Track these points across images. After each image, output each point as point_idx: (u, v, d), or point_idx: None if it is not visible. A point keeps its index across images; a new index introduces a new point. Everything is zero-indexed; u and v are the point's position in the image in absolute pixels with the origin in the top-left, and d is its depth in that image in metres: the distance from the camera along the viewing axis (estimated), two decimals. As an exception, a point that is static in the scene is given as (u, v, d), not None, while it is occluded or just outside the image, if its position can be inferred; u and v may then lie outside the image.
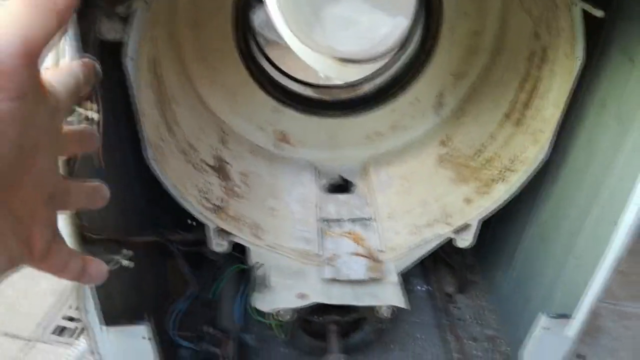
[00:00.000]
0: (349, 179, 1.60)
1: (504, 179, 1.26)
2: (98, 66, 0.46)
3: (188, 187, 1.21)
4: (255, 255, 1.32)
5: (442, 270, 1.75)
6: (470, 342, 1.54)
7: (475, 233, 1.31)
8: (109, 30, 0.95)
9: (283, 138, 1.60)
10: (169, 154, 1.17)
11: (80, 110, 0.77)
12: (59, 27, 0.34)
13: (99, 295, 1.07)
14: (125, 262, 0.97)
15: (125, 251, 0.98)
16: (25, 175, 0.37)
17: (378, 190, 1.51)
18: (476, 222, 1.29)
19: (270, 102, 1.52)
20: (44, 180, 0.39)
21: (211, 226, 1.24)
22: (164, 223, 1.41)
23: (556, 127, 1.15)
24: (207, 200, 1.26)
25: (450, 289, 1.70)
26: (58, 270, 0.43)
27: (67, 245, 0.43)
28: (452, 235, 1.32)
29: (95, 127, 0.80)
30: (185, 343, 1.33)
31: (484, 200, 1.28)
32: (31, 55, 0.33)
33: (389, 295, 1.29)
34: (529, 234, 1.38)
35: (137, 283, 1.28)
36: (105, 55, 0.97)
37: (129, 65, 0.96)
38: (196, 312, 1.48)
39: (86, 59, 0.44)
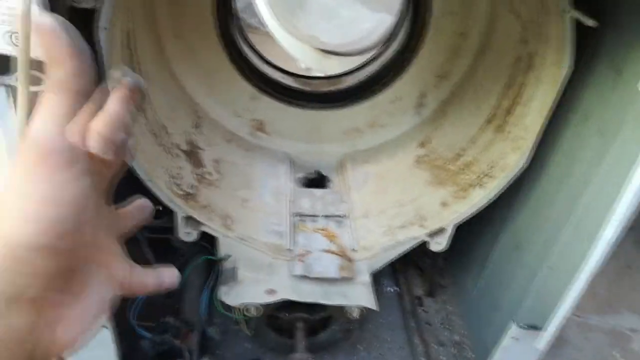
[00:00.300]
0: (326, 174, 1.56)
1: (481, 185, 1.24)
2: (141, 82, 0.46)
3: (158, 171, 1.15)
4: (224, 246, 1.27)
5: (412, 272, 1.73)
6: (437, 346, 1.53)
7: (449, 237, 1.29)
8: (81, -5, 0.89)
9: (260, 127, 1.55)
10: (139, 134, 1.11)
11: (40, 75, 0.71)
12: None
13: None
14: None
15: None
16: (95, 229, 0.42)
17: (354, 187, 1.48)
18: (451, 226, 1.27)
19: (248, 88, 1.48)
20: (105, 223, 0.44)
21: (180, 214, 1.19)
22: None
23: (538, 135, 1.13)
24: (178, 186, 1.20)
25: (419, 291, 1.69)
26: (141, 292, 0.48)
27: (139, 267, 0.48)
28: (426, 239, 1.30)
29: None
30: (146, 333, 1.27)
31: (461, 205, 1.27)
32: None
33: (359, 296, 1.26)
34: (503, 241, 1.37)
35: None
36: (75, 24, 0.91)
37: (102, 36, 0.90)
38: (160, 302, 1.42)
39: (127, 84, 0.44)
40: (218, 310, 1.26)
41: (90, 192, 0.40)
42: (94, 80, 0.41)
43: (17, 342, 0.37)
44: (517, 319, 1.18)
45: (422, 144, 1.49)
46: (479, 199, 1.24)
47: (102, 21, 0.90)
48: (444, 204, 1.30)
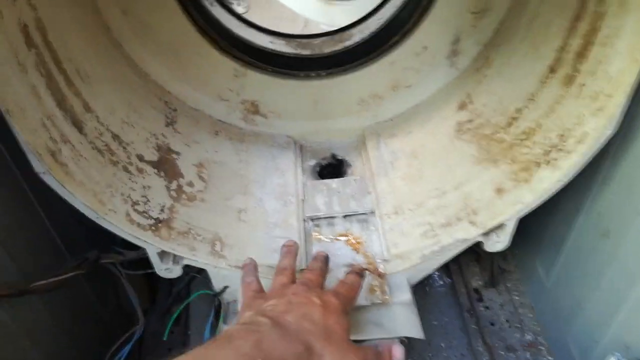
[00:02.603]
0: (343, 157, 1.25)
1: (551, 162, 0.90)
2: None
3: (110, 200, 0.87)
4: (217, 278, 1.00)
5: (466, 257, 1.41)
6: (506, 352, 1.23)
7: (511, 234, 0.96)
8: None
9: (254, 109, 1.24)
10: (74, 158, 0.82)
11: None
12: None
13: None
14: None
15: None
16: None
17: (380, 172, 1.16)
18: (513, 222, 0.94)
19: (229, 63, 1.15)
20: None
21: (151, 250, 0.92)
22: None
23: (631, 89, 0.77)
24: (143, 213, 0.92)
25: (477, 282, 1.38)
26: None
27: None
28: (480, 239, 0.98)
29: None
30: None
31: (523, 192, 0.93)
32: None
33: (398, 323, 0.96)
34: (584, 224, 1.03)
35: (65, 329, 0.98)
36: None
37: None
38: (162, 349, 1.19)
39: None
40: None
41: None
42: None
43: None
44: (613, 342, 0.86)
45: (462, 106, 1.14)
46: (548, 182, 0.89)
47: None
48: (500, 191, 0.96)
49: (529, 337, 1.26)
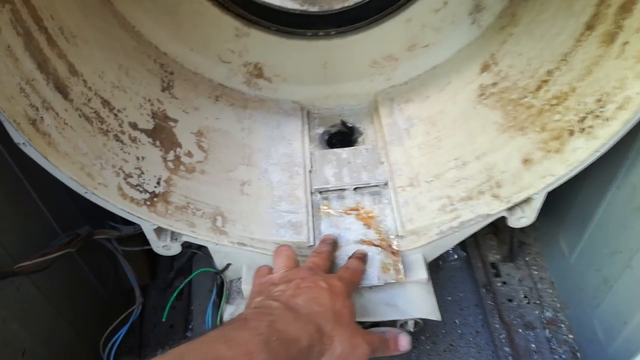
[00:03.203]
0: (353, 124, 1.16)
1: (586, 130, 0.81)
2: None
3: (100, 173, 0.79)
4: (219, 255, 0.93)
5: (482, 229, 1.33)
6: (525, 330, 1.17)
7: (538, 209, 0.89)
8: None
9: (257, 72, 1.14)
10: (58, 127, 0.74)
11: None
12: None
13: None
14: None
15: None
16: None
17: (394, 140, 1.07)
18: (541, 196, 0.86)
19: (230, 21, 1.06)
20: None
21: (147, 226, 0.85)
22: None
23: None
24: (137, 187, 0.84)
25: (494, 256, 1.30)
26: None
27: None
28: (505, 214, 0.90)
29: None
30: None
31: (554, 163, 0.84)
32: None
33: (413, 304, 0.90)
34: (612, 196, 0.95)
35: (60, 310, 0.92)
36: None
37: None
38: (157, 321, 1.13)
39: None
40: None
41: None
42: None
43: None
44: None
45: (486, 68, 1.04)
46: (583, 153, 0.80)
47: None
48: (528, 161, 0.88)
49: (548, 314, 1.20)
